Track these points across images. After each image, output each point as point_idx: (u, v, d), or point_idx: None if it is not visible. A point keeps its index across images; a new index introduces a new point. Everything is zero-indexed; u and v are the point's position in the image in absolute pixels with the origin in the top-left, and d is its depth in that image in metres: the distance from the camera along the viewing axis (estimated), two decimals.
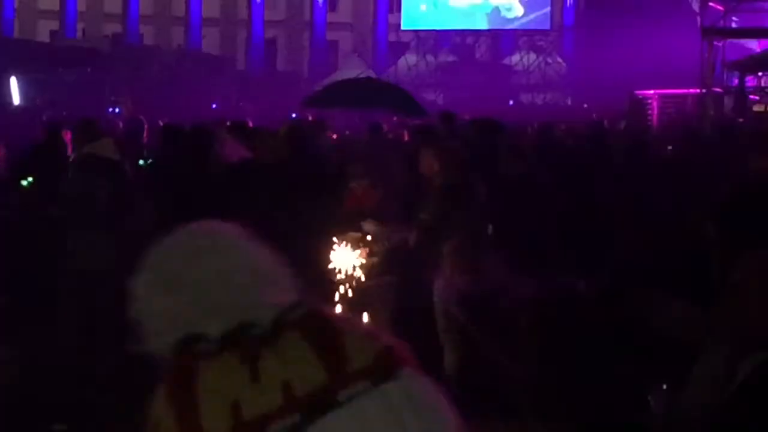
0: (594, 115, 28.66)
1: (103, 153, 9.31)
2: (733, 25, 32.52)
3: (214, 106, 27.41)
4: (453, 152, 9.77)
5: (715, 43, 27.20)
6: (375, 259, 8.94)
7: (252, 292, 2.24)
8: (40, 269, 9.12)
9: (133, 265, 2.35)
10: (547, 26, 53.47)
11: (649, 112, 29.25)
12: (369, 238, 8.95)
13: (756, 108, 26.57)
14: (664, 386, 4.50)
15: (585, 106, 38.56)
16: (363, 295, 8.98)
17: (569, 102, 45.36)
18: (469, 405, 8.30)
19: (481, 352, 8.98)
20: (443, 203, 9.18)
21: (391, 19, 57.07)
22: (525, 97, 47.43)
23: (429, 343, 9.11)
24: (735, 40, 30.72)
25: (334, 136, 16.41)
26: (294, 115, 21.41)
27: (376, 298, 8.98)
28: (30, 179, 10.83)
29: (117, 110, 22.93)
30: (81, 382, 8.11)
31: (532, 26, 53.31)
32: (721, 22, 28.02)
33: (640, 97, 31.49)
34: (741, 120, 23.92)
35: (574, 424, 7.32)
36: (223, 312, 2.19)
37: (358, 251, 8.75)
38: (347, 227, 8.92)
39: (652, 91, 31.31)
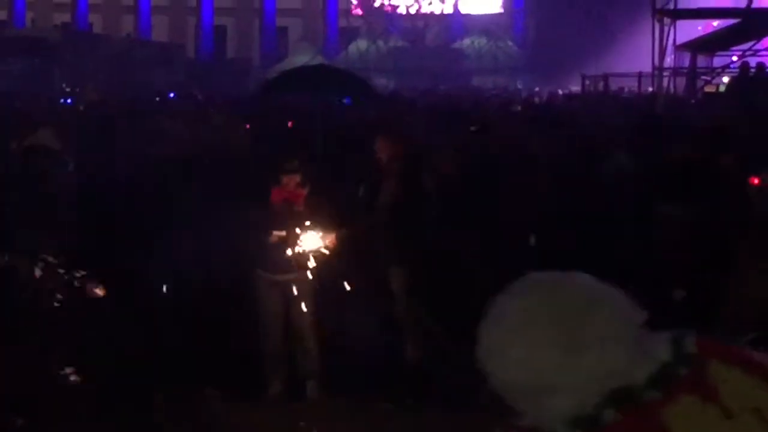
0: (537, 99, 28.92)
1: (42, 142, 9.25)
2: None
3: (171, 95, 27.15)
4: (408, 141, 9.96)
5: (667, 23, 27.25)
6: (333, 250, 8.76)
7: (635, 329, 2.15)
8: None
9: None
10: (499, 9, 53.68)
11: (601, 93, 29.30)
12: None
13: (707, 89, 26.65)
14: None
15: (537, 89, 38.63)
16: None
17: (520, 85, 45.43)
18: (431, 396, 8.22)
19: (440, 343, 8.93)
20: (396, 191, 9.24)
21: (341, 4, 56.95)
22: (477, 81, 47.45)
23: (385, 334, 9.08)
24: (686, 21, 30.83)
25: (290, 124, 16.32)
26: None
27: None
28: None
29: (69, 101, 22.70)
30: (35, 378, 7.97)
31: (483, 10, 53.46)
32: (671, 3, 28.10)
33: (591, 78, 31.61)
34: (693, 101, 24.05)
35: None
36: (641, 359, 2.12)
37: (321, 241, 8.58)
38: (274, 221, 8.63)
39: (603, 73, 31.42)
